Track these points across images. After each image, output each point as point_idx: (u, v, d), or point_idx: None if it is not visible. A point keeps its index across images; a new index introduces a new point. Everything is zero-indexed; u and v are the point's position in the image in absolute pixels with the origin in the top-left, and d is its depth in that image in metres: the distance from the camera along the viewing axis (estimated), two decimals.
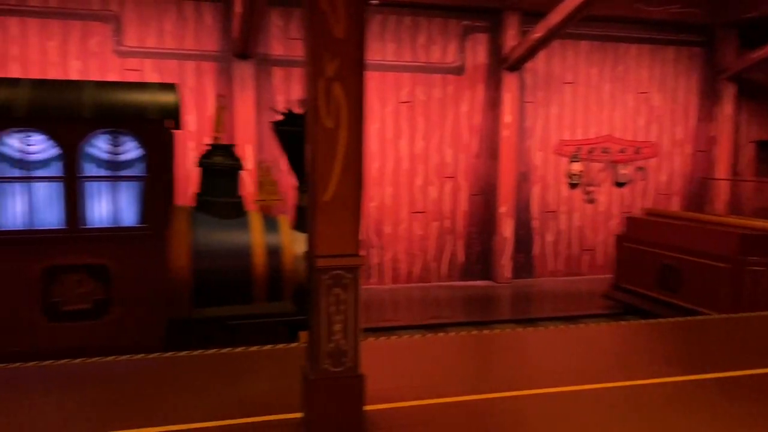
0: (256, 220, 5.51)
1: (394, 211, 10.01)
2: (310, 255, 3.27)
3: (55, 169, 4.75)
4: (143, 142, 4.73)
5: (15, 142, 4.69)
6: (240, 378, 4.63)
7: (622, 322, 6.92)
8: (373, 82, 9.41)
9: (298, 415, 3.51)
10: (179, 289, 5.07)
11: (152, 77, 8.81)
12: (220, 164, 5.40)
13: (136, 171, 4.80)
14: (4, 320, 4.70)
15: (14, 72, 8.34)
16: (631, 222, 8.89)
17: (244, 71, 9.04)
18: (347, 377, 3.22)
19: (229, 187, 5.48)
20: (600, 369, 4.37)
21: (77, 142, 4.67)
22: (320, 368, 3.20)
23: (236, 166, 5.46)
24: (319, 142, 3.08)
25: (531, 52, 9.62)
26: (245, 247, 5.33)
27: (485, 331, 5.79)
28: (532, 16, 9.47)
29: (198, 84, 9.05)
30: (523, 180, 10.58)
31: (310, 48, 3.00)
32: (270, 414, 3.79)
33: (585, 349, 4.87)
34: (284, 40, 9.39)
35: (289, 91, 9.42)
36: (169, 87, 4.84)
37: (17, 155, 4.70)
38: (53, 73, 8.45)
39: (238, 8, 8.51)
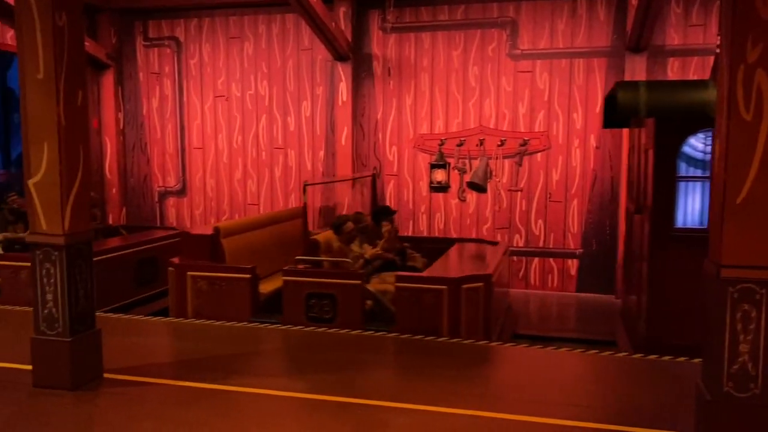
0: None
1: None
2: (713, 263, 2.95)
3: None
4: None
5: (698, 143, 5.24)
6: (622, 384, 4.47)
7: None
8: None
9: None
10: None
11: (542, 77, 9.08)
12: None
13: None
14: (686, 312, 5.19)
15: (424, 80, 9.50)
16: None
17: (636, 64, 8.64)
18: (755, 406, 2.82)
19: None
20: None
21: None
22: (720, 391, 2.87)
23: None
24: (734, 136, 2.74)
25: None
26: None
27: None
28: None
29: (586, 81, 9.00)
30: None
31: (729, 32, 2.69)
32: (653, 428, 3.56)
33: None
34: (683, 28, 8.67)
35: None
36: None
37: (699, 155, 5.25)
38: (454, 80, 9.37)
39: (634, 0, 8.17)
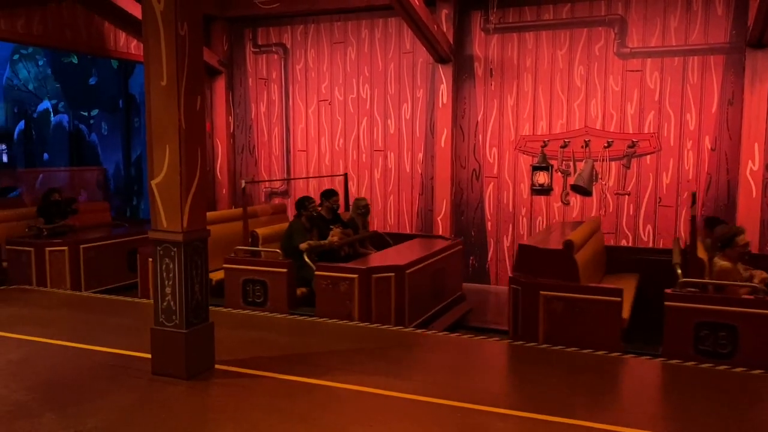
0: None
1: None
2: None
3: None
4: None
5: None
6: (744, 401, 4.25)
7: None
8: None
9: None
10: None
11: (653, 77, 8.68)
12: None
13: None
14: None
15: (527, 81, 9.33)
16: None
17: (758, 61, 8.07)
18: None
19: None
20: None
21: None
22: None
23: None
24: None
25: None
26: None
27: None
28: None
29: (701, 79, 8.52)
30: None
31: None
32: None
33: None
34: None
35: None
36: None
37: None
38: (558, 80, 9.14)
39: None
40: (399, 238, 8.48)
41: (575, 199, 9.08)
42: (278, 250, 7.04)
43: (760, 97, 8.08)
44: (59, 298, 7.46)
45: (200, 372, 4.80)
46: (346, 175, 9.38)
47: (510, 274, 6.45)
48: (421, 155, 10.09)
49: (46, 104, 19.07)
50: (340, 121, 10.57)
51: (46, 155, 18.90)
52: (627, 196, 8.90)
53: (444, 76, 9.54)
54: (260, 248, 7.20)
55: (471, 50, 9.62)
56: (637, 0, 8.73)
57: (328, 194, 7.88)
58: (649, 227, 8.83)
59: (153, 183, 4.69)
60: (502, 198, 9.64)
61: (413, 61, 10.00)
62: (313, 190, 10.79)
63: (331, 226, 7.48)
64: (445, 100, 9.58)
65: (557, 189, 9.20)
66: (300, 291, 7.01)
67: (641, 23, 8.75)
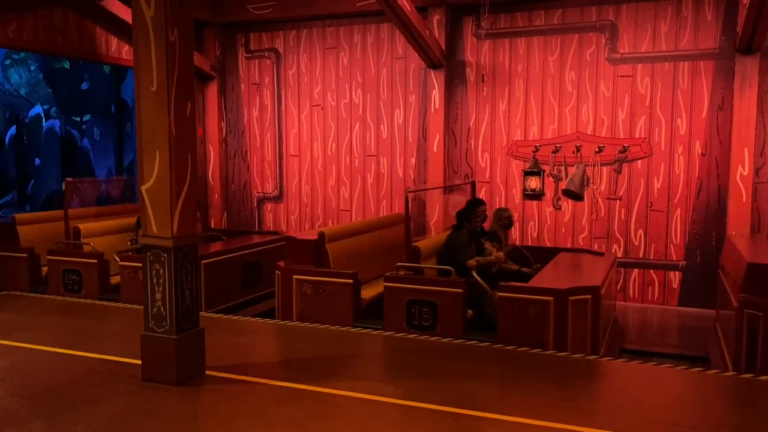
0: None
1: None
2: None
3: None
4: None
5: None
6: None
7: None
8: None
9: None
10: None
11: (643, 82, 8.73)
12: None
13: None
14: None
15: (518, 86, 9.37)
16: None
17: (747, 66, 8.13)
18: None
19: None
20: None
21: None
22: None
23: None
24: None
25: None
26: None
27: None
28: None
29: (691, 85, 8.57)
30: None
31: None
32: None
33: None
34: None
35: None
36: None
37: None
38: (550, 85, 9.18)
39: None
40: (536, 252, 7.77)
41: (567, 204, 9.10)
42: (447, 267, 6.39)
43: (750, 102, 8.13)
44: (49, 305, 7.42)
45: (190, 378, 4.78)
46: (473, 183, 8.77)
47: None
48: (413, 160, 10.10)
49: (37, 109, 19.01)
50: (332, 126, 10.57)
51: (37, 160, 18.83)
52: (618, 201, 8.93)
53: (436, 82, 9.56)
54: (425, 265, 6.51)
55: (463, 56, 9.65)
56: (627, 6, 8.79)
57: (475, 204, 7.12)
58: (640, 232, 8.86)
59: (143, 188, 4.68)
60: (494, 203, 9.64)
61: (405, 66, 10.02)
62: (306, 195, 10.78)
63: (481, 240, 6.88)
64: (437, 106, 9.60)
65: (549, 194, 9.22)
66: (468, 313, 6.35)
67: (632, 29, 8.79)
